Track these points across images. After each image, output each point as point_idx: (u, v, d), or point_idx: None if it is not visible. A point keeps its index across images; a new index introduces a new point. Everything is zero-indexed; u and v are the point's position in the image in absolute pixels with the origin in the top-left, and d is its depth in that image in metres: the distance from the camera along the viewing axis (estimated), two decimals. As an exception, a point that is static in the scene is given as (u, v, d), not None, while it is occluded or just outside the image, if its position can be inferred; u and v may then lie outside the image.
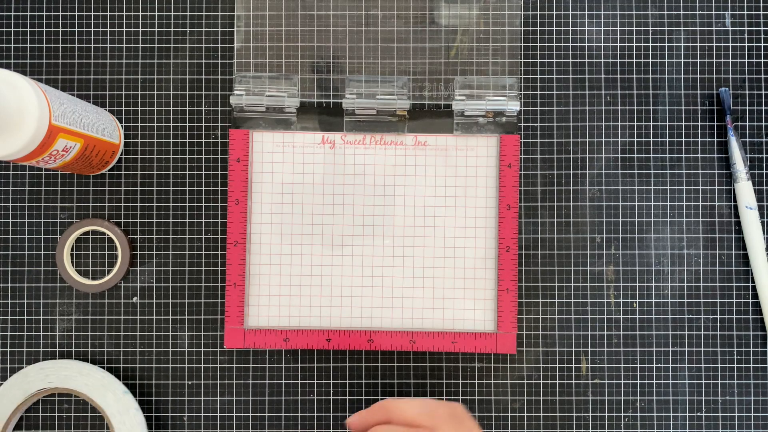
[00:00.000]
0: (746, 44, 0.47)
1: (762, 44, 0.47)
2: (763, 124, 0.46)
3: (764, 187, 0.46)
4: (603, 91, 0.47)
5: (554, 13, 0.47)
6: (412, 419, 0.36)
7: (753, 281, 0.46)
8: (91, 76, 0.47)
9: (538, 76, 0.47)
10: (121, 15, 0.47)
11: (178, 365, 0.46)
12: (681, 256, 0.46)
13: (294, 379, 0.46)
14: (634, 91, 0.47)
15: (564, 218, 0.46)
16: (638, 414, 0.46)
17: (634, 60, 0.47)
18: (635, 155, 0.46)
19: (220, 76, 0.47)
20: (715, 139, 0.46)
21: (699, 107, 0.46)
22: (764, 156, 0.46)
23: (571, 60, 0.47)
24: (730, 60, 0.47)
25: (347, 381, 0.46)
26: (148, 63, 0.47)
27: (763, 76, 0.47)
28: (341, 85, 0.46)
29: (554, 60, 0.47)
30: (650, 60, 0.47)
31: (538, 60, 0.47)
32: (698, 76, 0.47)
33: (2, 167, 0.46)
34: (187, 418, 0.46)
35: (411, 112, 0.46)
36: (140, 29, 0.47)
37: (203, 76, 0.47)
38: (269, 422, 0.46)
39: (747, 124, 0.46)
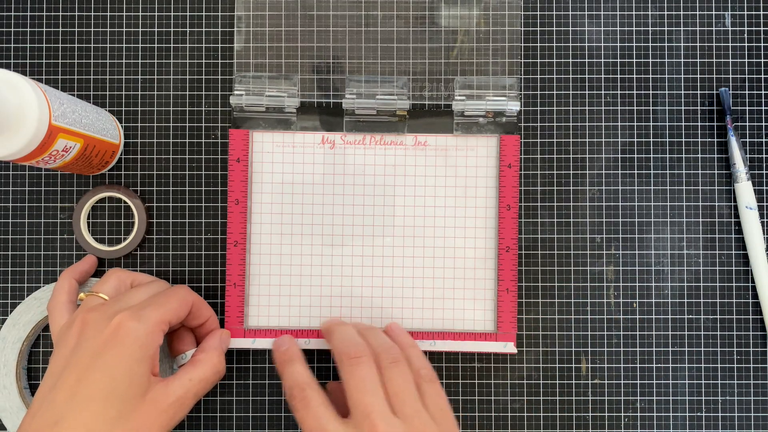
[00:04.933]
0: (746, 44, 0.47)
1: (762, 44, 0.47)
2: (763, 124, 0.46)
3: (764, 187, 0.46)
4: (603, 91, 0.47)
5: (554, 13, 0.47)
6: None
7: (753, 281, 0.46)
8: (91, 76, 0.47)
9: (538, 76, 0.47)
10: (121, 15, 0.47)
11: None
12: (681, 256, 0.46)
13: (294, 379, 0.46)
14: (634, 91, 0.47)
15: (564, 218, 0.46)
16: (638, 414, 0.46)
17: (634, 60, 0.47)
18: (635, 155, 0.46)
19: (220, 76, 0.47)
20: (715, 139, 0.46)
21: (699, 107, 0.46)
22: (764, 156, 0.46)
23: (571, 60, 0.47)
24: (730, 60, 0.47)
25: (347, 381, 0.46)
26: (148, 63, 0.47)
27: (763, 76, 0.47)
28: (341, 85, 0.46)
29: (554, 60, 0.47)
30: (650, 60, 0.47)
31: (538, 60, 0.47)
32: (698, 76, 0.47)
33: (2, 167, 0.46)
34: (187, 418, 0.46)
35: (411, 112, 0.46)
36: (140, 29, 0.47)
37: (203, 76, 0.47)
38: (269, 422, 0.46)
39: (747, 124, 0.46)
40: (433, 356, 0.46)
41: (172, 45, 0.47)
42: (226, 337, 0.44)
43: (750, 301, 0.46)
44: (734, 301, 0.46)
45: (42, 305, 0.45)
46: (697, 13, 0.47)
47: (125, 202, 0.46)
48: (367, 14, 0.46)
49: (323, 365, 0.46)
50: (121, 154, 0.46)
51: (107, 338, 0.36)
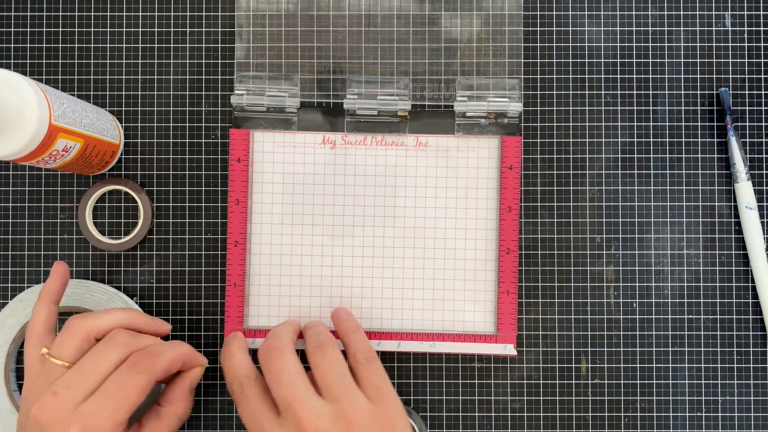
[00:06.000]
0: (746, 44, 0.47)
1: (762, 44, 0.47)
2: (763, 124, 0.47)
3: (764, 187, 0.46)
4: (603, 91, 0.47)
5: (554, 13, 0.47)
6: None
7: (753, 281, 0.46)
8: (91, 76, 0.46)
9: (538, 77, 0.47)
10: (121, 15, 0.47)
11: (179, 365, 0.46)
12: (681, 256, 0.46)
13: (294, 379, 0.46)
14: (634, 91, 0.47)
15: (564, 218, 0.46)
16: (638, 414, 0.46)
17: (634, 60, 0.47)
18: (635, 155, 0.46)
19: (220, 76, 0.47)
20: (715, 139, 0.46)
21: (699, 107, 0.46)
22: (764, 156, 0.46)
23: (571, 60, 0.47)
24: (730, 60, 0.47)
25: (347, 381, 0.46)
26: (148, 63, 0.47)
27: (763, 76, 0.47)
28: (341, 86, 0.46)
29: (554, 60, 0.47)
30: (650, 60, 0.47)
31: (538, 60, 0.47)
32: (698, 76, 0.47)
33: (2, 167, 0.46)
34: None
35: (412, 112, 0.46)
36: (140, 29, 0.47)
37: (203, 76, 0.47)
38: (269, 422, 0.46)
39: (747, 124, 0.46)
40: (433, 357, 0.46)
41: (172, 45, 0.47)
42: (198, 374, 0.41)
43: (750, 301, 0.46)
44: (734, 301, 0.46)
45: (27, 307, 0.45)
46: (697, 13, 0.47)
47: (127, 194, 0.46)
48: (367, 14, 0.46)
49: (323, 365, 0.46)
50: (121, 154, 0.46)
51: None
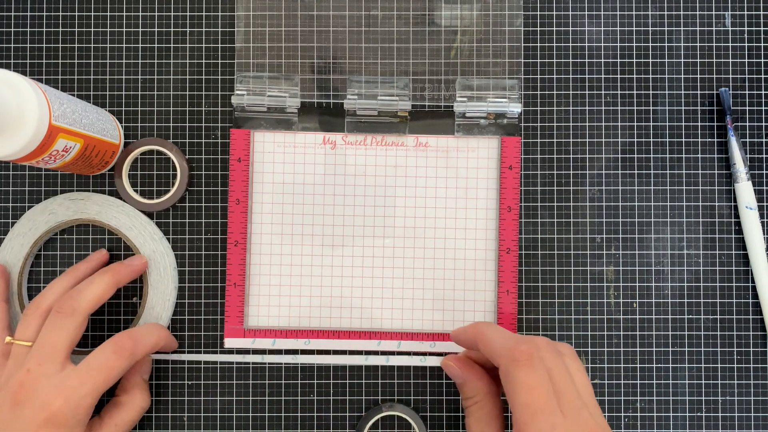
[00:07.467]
0: (746, 44, 0.47)
1: (762, 44, 0.47)
2: (763, 124, 0.47)
3: (764, 187, 0.46)
4: (603, 91, 0.47)
5: (554, 13, 0.47)
6: (492, 351, 0.37)
7: (753, 281, 0.46)
8: (91, 76, 0.46)
9: (538, 77, 0.47)
10: (121, 15, 0.47)
11: (178, 365, 0.46)
12: (681, 256, 0.46)
13: (294, 379, 0.46)
14: (634, 91, 0.47)
15: (564, 218, 0.46)
16: (638, 414, 0.46)
17: (634, 60, 0.47)
18: (635, 155, 0.46)
19: (220, 76, 0.47)
20: (715, 139, 0.46)
21: (699, 107, 0.46)
22: (764, 156, 0.46)
23: (571, 60, 0.47)
24: (730, 60, 0.47)
25: (347, 381, 0.46)
26: (148, 63, 0.47)
27: (763, 76, 0.47)
28: (341, 86, 0.46)
29: (554, 60, 0.47)
30: (650, 60, 0.47)
31: (538, 60, 0.47)
32: (698, 76, 0.47)
33: (2, 167, 0.46)
34: (187, 418, 0.46)
35: (412, 113, 0.46)
36: (140, 29, 0.47)
37: (203, 76, 0.47)
38: (269, 422, 0.46)
39: (747, 124, 0.46)
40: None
41: (172, 45, 0.47)
42: (147, 367, 0.44)
43: (750, 301, 0.46)
44: (734, 301, 0.46)
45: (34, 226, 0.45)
46: (697, 13, 0.47)
47: (161, 153, 0.46)
48: (367, 14, 0.46)
49: (323, 364, 0.46)
50: (121, 154, 0.46)
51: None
